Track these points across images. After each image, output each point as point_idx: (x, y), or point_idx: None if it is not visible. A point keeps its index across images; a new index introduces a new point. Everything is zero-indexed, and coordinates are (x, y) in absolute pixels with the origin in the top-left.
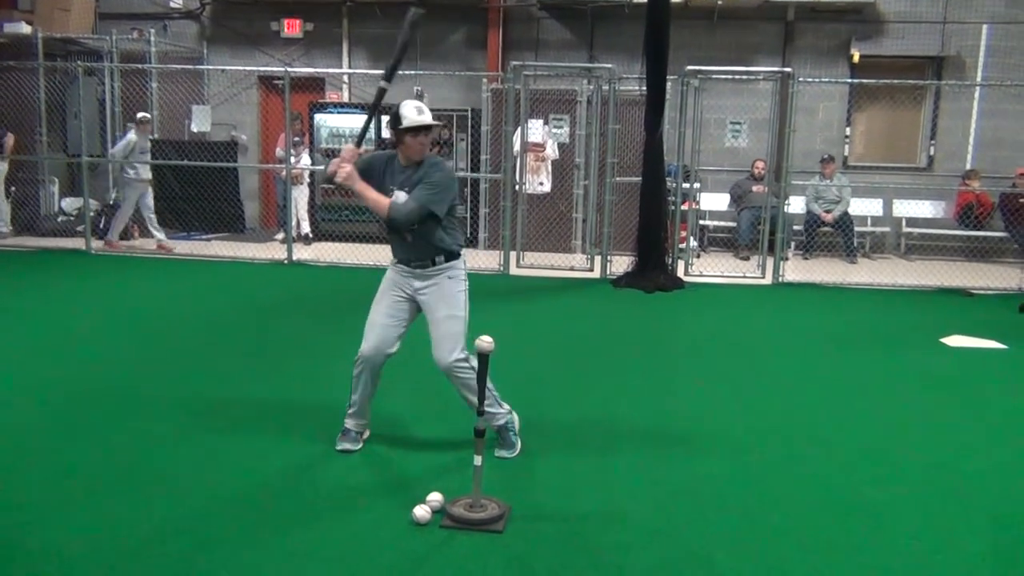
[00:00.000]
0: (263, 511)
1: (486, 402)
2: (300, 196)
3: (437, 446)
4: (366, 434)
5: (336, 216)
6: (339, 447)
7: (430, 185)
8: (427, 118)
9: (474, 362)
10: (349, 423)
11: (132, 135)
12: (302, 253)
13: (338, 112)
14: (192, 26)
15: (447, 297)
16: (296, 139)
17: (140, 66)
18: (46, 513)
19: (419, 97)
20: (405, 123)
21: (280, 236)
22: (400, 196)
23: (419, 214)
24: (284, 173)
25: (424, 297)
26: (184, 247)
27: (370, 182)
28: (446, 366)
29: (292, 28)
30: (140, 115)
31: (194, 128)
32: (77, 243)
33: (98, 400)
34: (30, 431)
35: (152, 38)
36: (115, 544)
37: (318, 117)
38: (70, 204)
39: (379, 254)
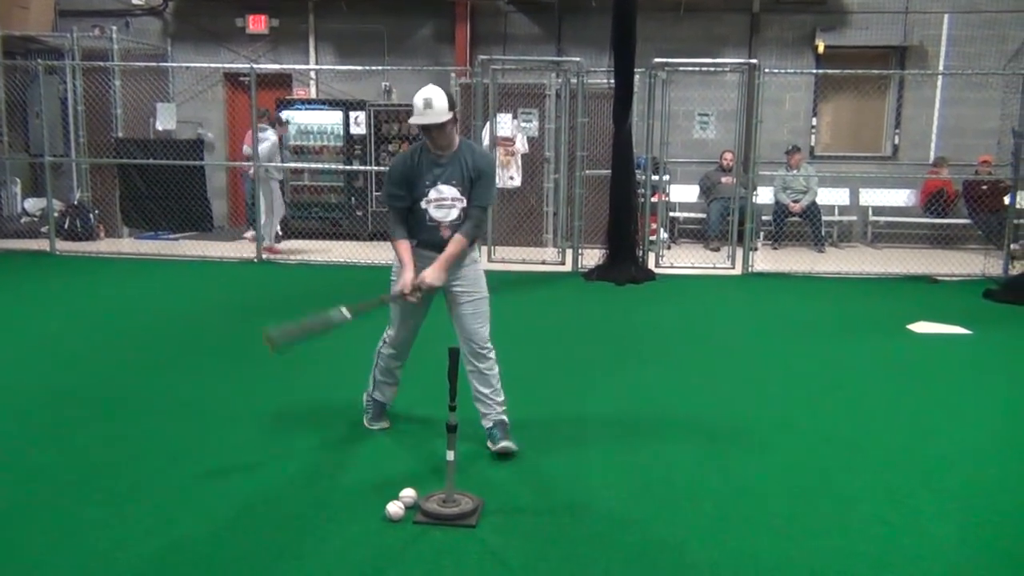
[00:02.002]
0: (234, 510)
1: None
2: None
3: (410, 442)
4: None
5: (306, 213)
6: (377, 426)
7: (487, 182)
8: (428, 118)
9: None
10: (378, 396)
11: (273, 135)
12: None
13: (306, 108)
14: (155, 23)
15: (478, 278)
16: (263, 126)
17: (102, 64)
18: (11, 516)
19: (387, 93)
20: (413, 118)
21: (249, 234)
22: (446, 190)
23: (486, 218)
24: (252, 171)
25: (458, 287)
26: (152, 247)
27: (412, 184)
28: (486, 340)
29: (257, 24)
30: (285, 116)
31: (159, 126)
32: (41, 244)
33: (65, 402)
34: None
35: (114, 35)
36: (83, 547)
37: (286, 114)
38: (33, 205)
39: (349, 251)
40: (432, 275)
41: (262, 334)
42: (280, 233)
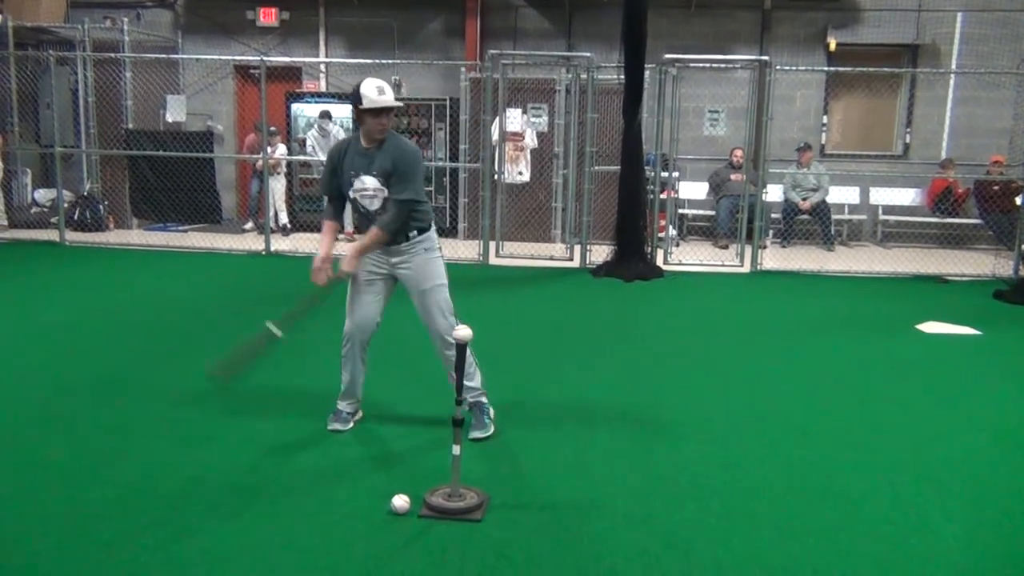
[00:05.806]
0: (240, 502)
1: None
2: (277, 186)
3: (416, 433)
4: (358, 415)
5: (314, 207)
6: (330, 427)
7: (405, 176)
8: (387, 99)
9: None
10: (341, 404)
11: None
12: (280, 244)
13: (315, 101)
14: (166, 15)
15: (427, 269)
16: (272, 129)
17: (113, 55)
18: (18, 505)
19: (397, 86)
20: (365, 103)
21: (248, 226)
22: (368, 181)
23: (406, 211)
24: (259, 164)
25: (405, 271)
26: (160, 238)
27: (335, 172)
28: (444, 332)
29: (268, 17)
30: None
31: (169, 118)
32: (51, 235)
33: (73, 390)
34: (3, 422)
35: (125, 27)
36: (89, 536)
37: (295, 107)
38: (43, 195)
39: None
40: (345, 261)
41: (207, 373)
42: (288, 226)
